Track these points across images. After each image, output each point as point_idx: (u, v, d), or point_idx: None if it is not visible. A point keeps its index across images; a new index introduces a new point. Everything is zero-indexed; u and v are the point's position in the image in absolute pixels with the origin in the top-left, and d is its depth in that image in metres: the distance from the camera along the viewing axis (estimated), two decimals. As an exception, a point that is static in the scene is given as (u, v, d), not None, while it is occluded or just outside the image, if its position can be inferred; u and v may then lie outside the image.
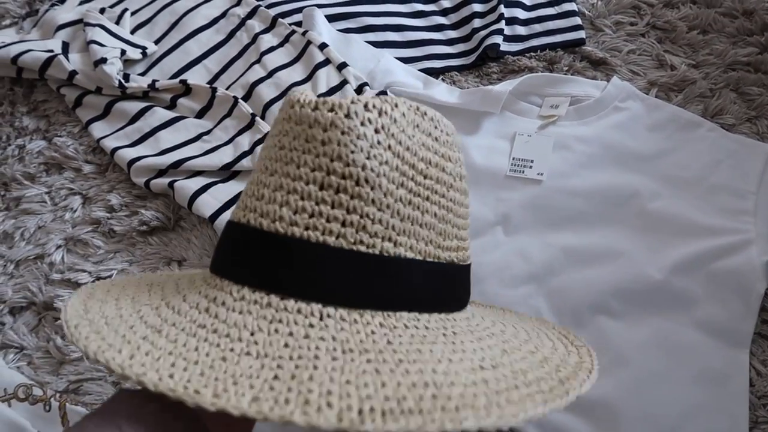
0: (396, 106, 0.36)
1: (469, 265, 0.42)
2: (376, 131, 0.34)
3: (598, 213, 0.62)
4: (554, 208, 0.63)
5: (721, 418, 0.52)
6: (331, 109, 0.34)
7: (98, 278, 0.66)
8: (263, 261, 0.34)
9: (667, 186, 0.62)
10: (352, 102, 0.35)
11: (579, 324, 0.57)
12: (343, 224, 0.34)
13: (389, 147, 0.34)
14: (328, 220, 0.33)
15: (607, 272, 0.58)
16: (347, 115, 0.34)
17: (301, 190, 0.34)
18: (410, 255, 0.35)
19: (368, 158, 0.34)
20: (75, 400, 0.58)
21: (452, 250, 0.39)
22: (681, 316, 0.56)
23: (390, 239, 0.34)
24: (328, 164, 0.34)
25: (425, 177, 0.36)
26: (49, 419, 0.57)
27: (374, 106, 0.35)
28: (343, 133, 0.34)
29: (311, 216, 0.34)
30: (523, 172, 0.65)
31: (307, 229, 0.34)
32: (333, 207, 0.34)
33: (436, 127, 0.38)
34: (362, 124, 0.34)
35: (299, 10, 0.82)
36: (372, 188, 0.34)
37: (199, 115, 0.74)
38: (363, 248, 0.34)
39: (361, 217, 0.34)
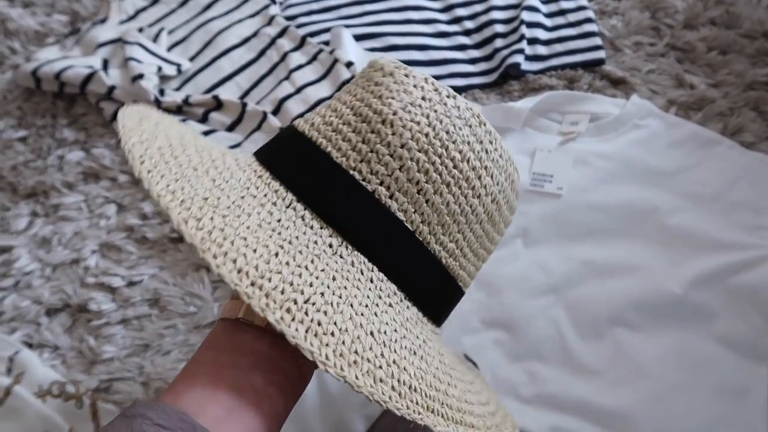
0: (455, 98, 0.38)
1: (460, 290, 0.40)
2: (423, 98, 0.37)
3: (618, 227, 0.63)
4: (573, 221, 0.64)
5: (739, 431, 0.52)
6: (397, 67, 0.38)
7: (131, 283, 0.68)
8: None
9: (686, 201, 0.63)
10: (420, 73, 0.38)
11: (598, 335, 0.58)
12: (353, 148, 0.36)
13: (428, 116, 0.36)
14: (343, 139, 0.36)
15: (627, 285, 0.59)
16: (406, 75, 0.38)
17: (338, 109, 0.38)
18: (399, 215, 0.36)
19: (403, 109, 0.36)
20: (105, 399, 0.60)
21: (447, 252, 0.37)
22: (700, 330, 0.56)
23: (385, 185, 0.35)
24: (370, 98, 0.37)
25: (454, 167, 0.36)
26: (81, 416, 0.59)
27: (433, 84, 0.38)
28: (395, 82, 0.37)
29: (333, 131, 0.37)
30: (543, 186, 0.67)
31: (324, 138, 0.37)
32: (354, 131, 0.36)
33: (491, 142, 0.38)
34: (414, 86, 0.37)
35: (327, 30, 0.85)
36: (393, 133, 0.35)
37: (230, 128, 0.77)
38: (357, 176, 0.35)
39: (371, 150, 0.35)
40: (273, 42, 0.85)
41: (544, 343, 0.58)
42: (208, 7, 0.91)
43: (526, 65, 0.78)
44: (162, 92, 0.79)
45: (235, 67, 0.83)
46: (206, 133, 0.76)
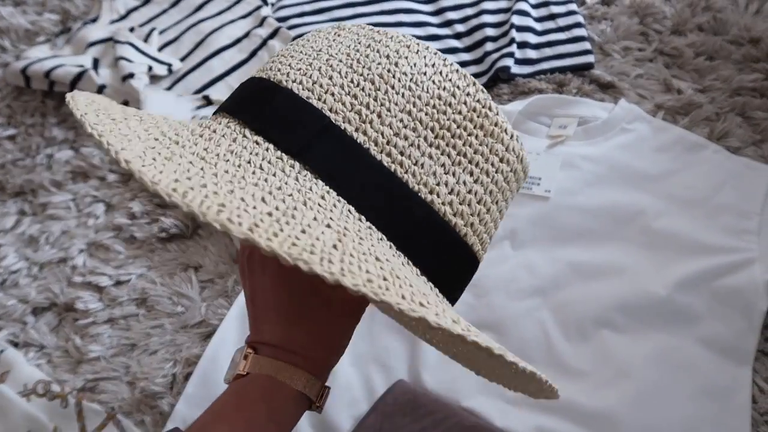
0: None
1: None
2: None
3: (604, 230, 0.63)
4: (561, 224, 0.64)
5: (722, 433, 0.52)
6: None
7: (118, 282, 0.68)
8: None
9: (672, 205, 0.64)
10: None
11: (583, 337, 0.58)
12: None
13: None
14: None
15: (612, 287, 0.60)
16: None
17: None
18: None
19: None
20: (91, 398, 0.60)
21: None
22: (684, 332, 0.57)
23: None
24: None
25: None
26: (66, 415, 0.59)
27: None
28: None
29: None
30: (531, 189, 0.67)
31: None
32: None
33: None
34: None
35: (318, 32, 0.85)
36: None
37: (220, 128, 0.77)
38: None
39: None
40: (264, 43, 0.85)
41: (530, 345, 0.59)
42: (199, 7, 0.91)
43: (515, 69, 0.79)
44: (152, 92, 0.79)
45: (226, 67, 0.83)
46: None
